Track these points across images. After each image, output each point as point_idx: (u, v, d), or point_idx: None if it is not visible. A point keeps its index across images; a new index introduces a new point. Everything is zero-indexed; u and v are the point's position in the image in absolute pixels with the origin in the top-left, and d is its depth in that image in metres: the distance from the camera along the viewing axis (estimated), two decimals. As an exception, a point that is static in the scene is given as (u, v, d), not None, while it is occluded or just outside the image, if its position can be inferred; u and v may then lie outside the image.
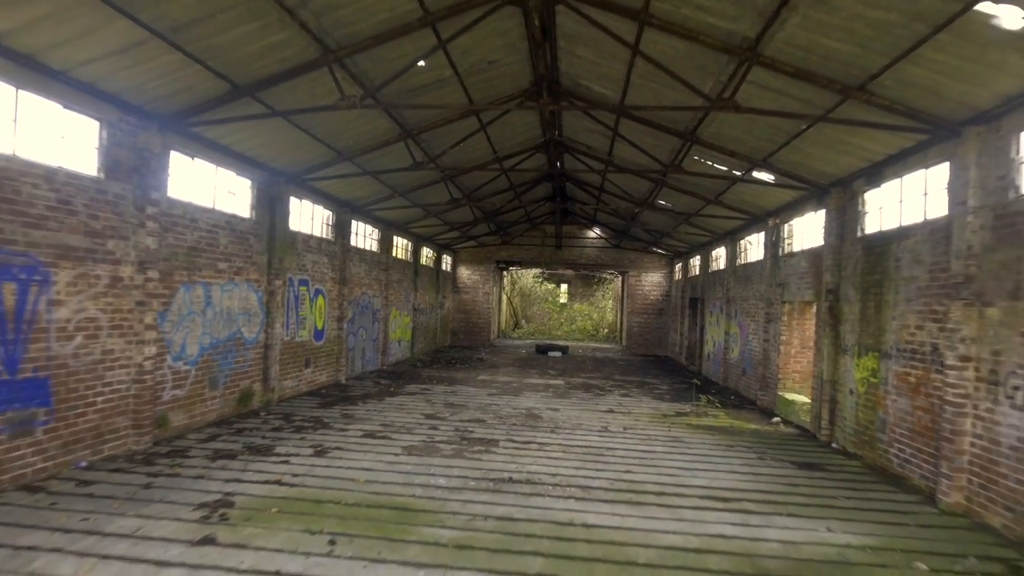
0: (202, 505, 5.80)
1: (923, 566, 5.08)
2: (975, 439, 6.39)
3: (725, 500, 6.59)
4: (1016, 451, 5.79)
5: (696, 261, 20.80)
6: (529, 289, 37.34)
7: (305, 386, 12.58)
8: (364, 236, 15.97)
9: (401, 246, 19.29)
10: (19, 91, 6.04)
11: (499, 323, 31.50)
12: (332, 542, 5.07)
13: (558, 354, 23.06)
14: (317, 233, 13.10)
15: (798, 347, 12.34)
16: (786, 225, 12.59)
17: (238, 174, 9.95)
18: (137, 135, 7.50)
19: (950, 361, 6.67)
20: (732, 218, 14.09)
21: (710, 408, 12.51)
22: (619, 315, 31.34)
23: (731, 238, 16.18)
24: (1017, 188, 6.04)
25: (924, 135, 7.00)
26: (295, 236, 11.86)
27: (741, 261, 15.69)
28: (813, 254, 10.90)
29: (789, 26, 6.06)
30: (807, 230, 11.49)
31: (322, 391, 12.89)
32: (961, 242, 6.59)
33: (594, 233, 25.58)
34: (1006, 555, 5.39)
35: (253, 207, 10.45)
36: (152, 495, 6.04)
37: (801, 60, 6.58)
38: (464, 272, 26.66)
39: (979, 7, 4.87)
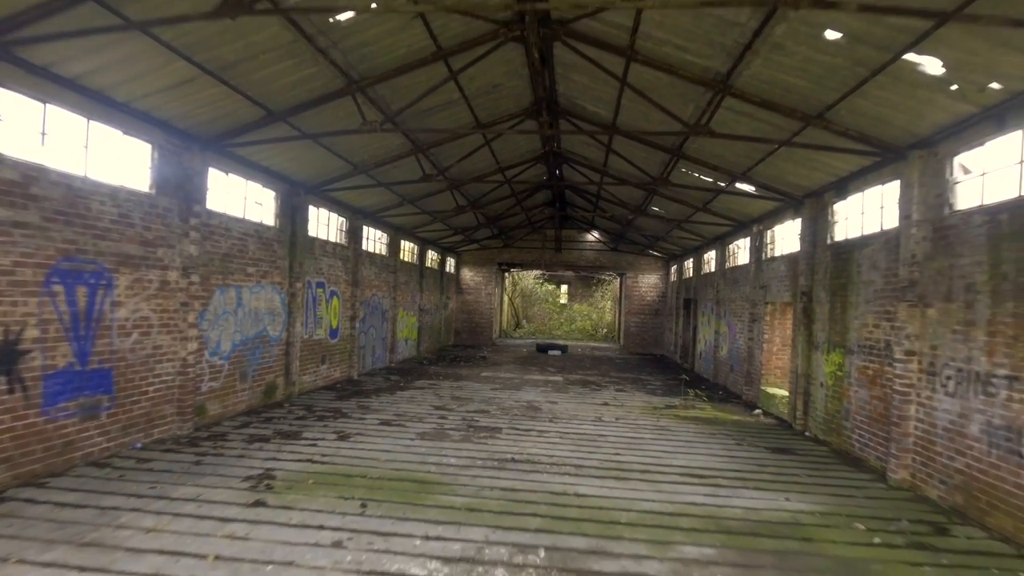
0: (248, 478, 6.76)
1: (860, 526, 6.03)
2: (918, 423, 7.34)
3: (700, 477, 7.53)
4: (948, 432, 6.73)
5: (689, 264, 21.74)
6: (530, 290, 38.27)
7: (322, 381, 13.54)
8: (374, 240, 16.94)
9: (408, 249, 20.25)
10: (90, 121, 7.01)
11: (501, 323, 32.44)
12: (363, 505, 6.02)
13: (558, 353, 24.00)
14: (332, 239, 14.07)
15: (779, 345, 13.27)
16: (768, 232, 13.53)
17: (264, 186, 10.92)
18: (182, 155, 8.47)
19: (898, 355, 7.62)
20: (720, 224, 15.04)
21: (697, 401, 13.45)
22: (617, 315, 32.25)
23: (721, 242, 17.12)
24: (951, 205, 6.99)
25: (876, 157, 7.94)
26: (313, 242, 12.82)
27: (730, 264, 16.63)
28: (791, 259, 11.84)
29: (754, 65, 7.00)
30: (786, 236, 12.43)
31: (337, 386, 13.85)
32: (907, 251, 7.53)
33: (592, 236, 26.51)
34: (936, 519, 6.33)
35: (277, 216, 11.42)
36: (204, 470, 7.01)
37: (766, 92, 7.53)
38: (467, 274, 27.60)
39: (906, 57, 5.82)
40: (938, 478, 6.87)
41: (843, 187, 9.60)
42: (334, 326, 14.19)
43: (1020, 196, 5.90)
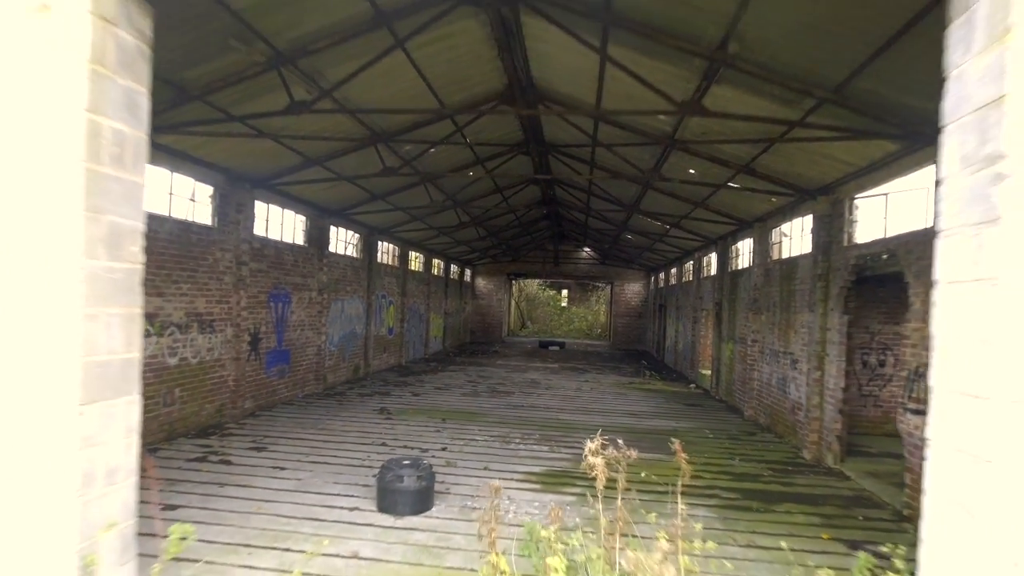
0: (374, 409, 12.11)
1: (708, 432, 11.31)
2: (757, 382, 12.61)
3: (632, 414, 12.83)
4: (766, 385, 12.01)
5: (662, 276, 27.00)
6: (534, 295, 43.57)
7: (384, 365, 18.91)
8: (414, 260, 22.29)
9: (436, 265, 25.59)
10: (284, 210, 12.40)
11: (509, 323, 37.74)
12: (443, 420, 11.36)
13: (556, 348, 29.30)
14: (389, 263, 19.43)
15: (711, 339, 18.51)
16: (705, 258, 18.81)
17: (354, 232, 16.30)
18: (318, 221, 13.84)
19: (749, 342, 12.91)
20: (673, 251, 20.32)
21: (653, 380, 18.75)
22: (609, 317, 37.48)
23: (679, 262, 22.39)
24: (771, 256, 12.27)
25: (736, 226, 13.25)
26: (380, 266, 18.19)
27: (684, 280, 21.90)
28: (714, 279, 17.10)
29: (654, 190, 12.30)
30: (712, 263, 17.70)
31: (394, 369, 19.22)
32: (753, 280, 12.82)
33: (586, 252, 31.77)
34: (753, 430, 11.60)
35: (361, 251, 16.79)
36: (346, 407, 12.36)
37: (671, 189, 12.82)
38: (481, 282, 32.93)
39: (728, 183, 11.09)
40: (762, 411, 12.15)
41: (735, 235, 14.88)
42: (391, 326, 19.55)
43: (790, 256, 11.18)
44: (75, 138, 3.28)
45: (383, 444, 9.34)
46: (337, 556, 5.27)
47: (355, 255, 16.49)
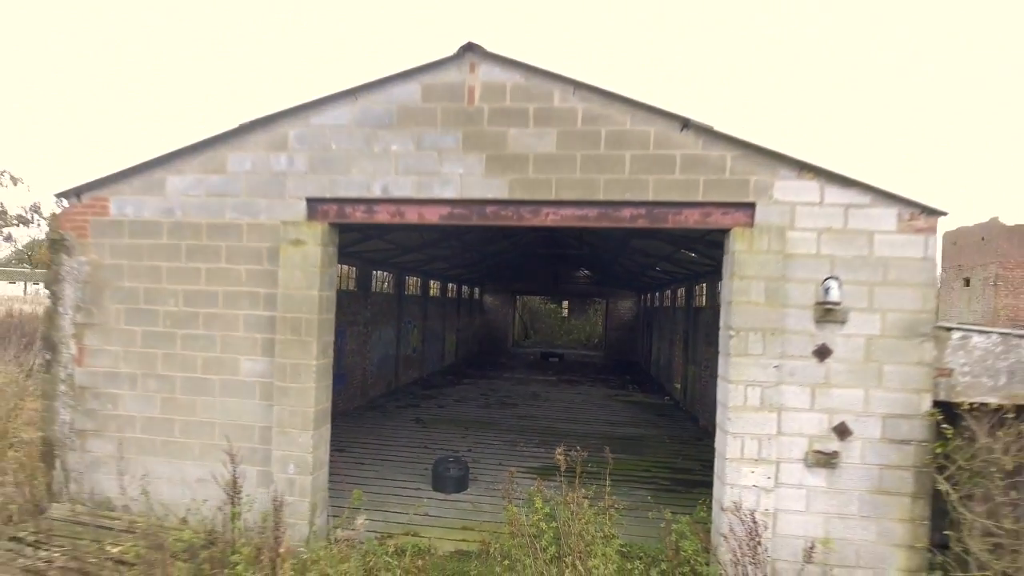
0: (411, 419, 15.73)
1: (667, 438, 14.89)
2: (709, 398, 16.18)
3: (611, 423, 16.42)
4: (713, 401, 15.57)
5: (648, 297, 30.57)
6: (537, 308, 47.17)
7: (409, 379, 22.55)
8: (433, 287, 25.91)
9: (450, 288, 29.20)
10: (342, 265, 16.05)
11: (513, 335, 41.32)
12: (466, 428, 14.97)
13: (556, 360, 32.88)
14: (414, 293, 23.07)
15: (681, 360, 22.06)
16: (679, 291, 22.38)
17: (388, 272, 19.95)
18: (364, 269, 17.47)
19: (703, 366, 16.48)
20: (654, 281, 23.90)
21: (634, 392, 22.34)
22: (604, 329, 41.02)
23: (660, 289, 25.97)
24: (717, 301, 15.81)
25: (687, 273, 16.84)
26: (407, 298, 21.82)
27: (664, 305, 25.48)
28: (683, 310, 20.67)
29: (634, 243, 15.88)
30: (683, 297, 21.27)
31: (418, 382, 22.87)
32: (706, 318, 16.38)
33: (583, 273, 35.33)
34: (702, 436, 15.20)
35: (393, 287, 20.43)
36: (389, 416, 15.99)
37: (644, 249, 16.39)
38: (488, 299, 36.54)
39: (681, 250, 14.67)
40: (711, 422, 15.68)
41: (697, 278, 18.45)
42: (415, 346, 23.19)
43: (728, 305, 14.73)
44: (313, 304, 6.93)
45: (425, 447, 12.96)
46: (415, 515, 8.91)
47: (389, 291, 20.14)
